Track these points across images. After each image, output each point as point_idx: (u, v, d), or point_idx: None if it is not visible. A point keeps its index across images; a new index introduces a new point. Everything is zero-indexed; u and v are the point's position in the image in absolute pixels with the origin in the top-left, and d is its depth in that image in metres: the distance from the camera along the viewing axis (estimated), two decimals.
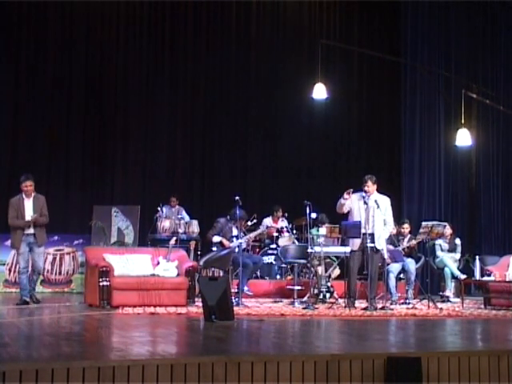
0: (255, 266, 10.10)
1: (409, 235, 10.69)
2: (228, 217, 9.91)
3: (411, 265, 10.39)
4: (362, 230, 8.85)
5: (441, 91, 14.07)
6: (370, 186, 9.00)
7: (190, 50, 13.85)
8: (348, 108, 14.61)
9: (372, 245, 8.80)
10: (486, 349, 5.55)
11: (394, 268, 10.18)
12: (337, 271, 10.95)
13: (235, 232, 9.86)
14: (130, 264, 9.12)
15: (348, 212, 9.13)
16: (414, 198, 14.12)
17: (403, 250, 10.43)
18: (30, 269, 9.34)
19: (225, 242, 9.74)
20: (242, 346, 5.79)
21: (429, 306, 9.33)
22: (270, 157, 14.10)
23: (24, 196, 9.20)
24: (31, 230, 9.14)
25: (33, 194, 9.23)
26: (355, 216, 9.02)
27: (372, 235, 8.86)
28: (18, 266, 9.31)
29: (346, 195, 8.95)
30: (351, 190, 9.03)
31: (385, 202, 9.07)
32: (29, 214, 9.14)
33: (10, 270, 11.65)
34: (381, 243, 8.96)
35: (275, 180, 14.07)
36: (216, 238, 9.77)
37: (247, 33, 14.20)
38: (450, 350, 5.28)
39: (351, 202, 9.04)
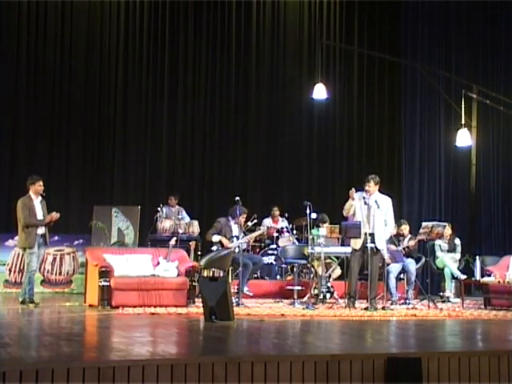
0: (255, 266, 10.09)
1: (409, 235, 10.68)
2: (229, 216, 9.92)
3: (411, 265, 10.38)
4: (363, 230, 8.85)
5: (441, 91, 14.07)
6: (372, 187, 9.00)
7: (191, 50, 13.84)
8: (348, 108, 14.60)
9: (372, 245, 8.80)
10: (486, 349, 5.55)
11: (394, 268, 10.17)
12: (338, 271, 10.95)
13: (236, 231, 9.87)
14: (130, 264, 9.12)
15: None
16: (414, 198, 14.12)
17: (404, 249, 10.43)
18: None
19: (224, 241, 9.74)
20: (242, 346, 5.79)
21: (429, 307, 9.33)
22: (270, 157, 14.09)
23: (33, 196, 9.18)
24: (42, 230, 9.12)
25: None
26: (357, 215, 9.03)
27: (372, 235, 8.86)
28: (29, 266, 9.04)
29: (353, 196, 9.00)
30: (353, 189, 9.07)
31: (386, 202, 9.06)
32: (39, 214, 9.13)
33: (10, 270, 11.63)
34: (381, 243, 8.96)
35: (275, 180, 14.07)
36: (216, 238, 9.77)
37: (247, 33, 14.19)
38: (450, 351, 5.28)
39: (355, 202, 9.06)
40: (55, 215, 9.11)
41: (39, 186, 9.21)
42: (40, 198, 9.24)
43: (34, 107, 12.81)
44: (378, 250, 8.91)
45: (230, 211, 9.91)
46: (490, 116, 14.01)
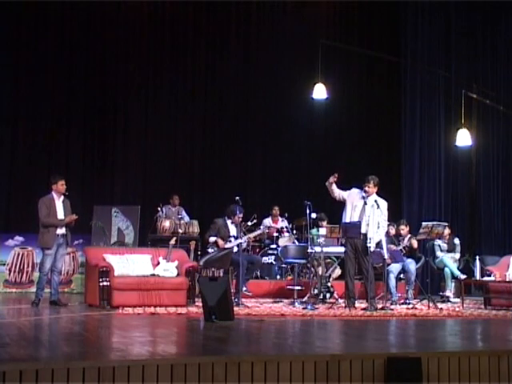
0: (253, 266, 10.10)
1: (409, 235, 10.69)
2: (225, 216, 9.94)
3: (411, 265, 10.39)
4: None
5: (441, 91, 14.06)
6: (371, 187, 9.01)
7: (190, 51, 13.85)
8: (348, 108, 14.60)
9: (368, 245, 8.80)
10: (486, 349, 5.54)
11: (394, 268, 10.18)
12: (338, 271, 10.96)
13: (233, 231, 9.87)
14: (130, 264, 9.12)
15: (342, 209, 9.17)
16: (414, 198, 14.11)
17: (404, 248, 10.44)
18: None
19: (219, 242, 9.75)
20: (242, 346, 5.79)
21: (429, 306, 9.34)
22: (270, 157, 14.09)
23: (55, 196, 9.12)
24: (62, 230, 9.07)
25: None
26: (347, 213, 9.02)
27: (365, 235, 8.86)
28: (42, 267, 9.05)
29: (331, 179, 8.97)
30: (336, 174, 9.03)
31: (383, 205, 9.07)
32: (60, 214, 9.06)
33: (10, 270, 11.64)
34: (373, 244, 8.94)
35: (275, 180, 14.07)
36: (211, 239, 9.81)
37: (247, 33, 14.20)
38: (450, 350, 5.28)
39: (348, 196, 9.05)
40: (73, 217, 9.05)
41: (61, 185, 9.13)
42: (62, 197, 9.17)
43: (33, 107, 12.80)
44: (370, 249, 8.89)
45: (226, 211, 9.94)
46: (489, 116, 14.00)
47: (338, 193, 9.09)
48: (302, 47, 14.30)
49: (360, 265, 8.92)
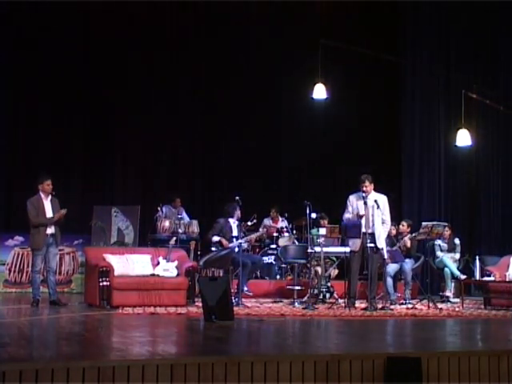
0: (254, 265, 10.10)
1: (408, 235, 10.68)
2: (228, 216, 9.93)
3: (407, 265, 10.38)
4: (362, 230, 8.86)
5: (441, 91, 14.05)
6: (368, 186, 9.02)
7: (190, 50, 13.83)
8: (348, 108, 14.57)
9: (372, 244, 8.81)
10: (486, 349, 5.55)
11: (391, 268, 10.18)
12: (335, 271, 10.97)
13: (235, 232, 9.87)
14: (130, 264, 9.12)
15: (343, 211, 9.19)
16: (414, 198, 14.09)
17: (399, 247, 10.43)
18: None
19: (224, 241, 9.74)
20: (242, 346, 5.80)
21: (429, 306, 9.34)
22: (271, 157, 14.08)
23: (42, 196, 9.11)
24: (52, 230, 9.05)
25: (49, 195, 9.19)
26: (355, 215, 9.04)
27: (372, 235, 8.87)
28: (33, 266, 9.12)
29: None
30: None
31: (383, 200, 9.07)
32: (49, 213, 9.05)
33: (10, 270, 11.64)
34: (381, 242, 8.96)
35: (275, 180, 14.06)
36: (215, 238, 9.79)
37: (247, 33, 14.18)
38: (450, 350, 5.28)
39: (351, 206, 9.07)
40: (62, 212, 9.06)
41: (47, 185, 9.12)
42: (50, 196, 9.16)
43: (34, 107, 12.80)
44: (377, 249, 8.92)
45: (228, 210, 9.91)
46: (489, 116, 14.00)
47: (350, 214, 9.10)
48: (302, 47, 14.29)
49: (367, 264, 8.92)
